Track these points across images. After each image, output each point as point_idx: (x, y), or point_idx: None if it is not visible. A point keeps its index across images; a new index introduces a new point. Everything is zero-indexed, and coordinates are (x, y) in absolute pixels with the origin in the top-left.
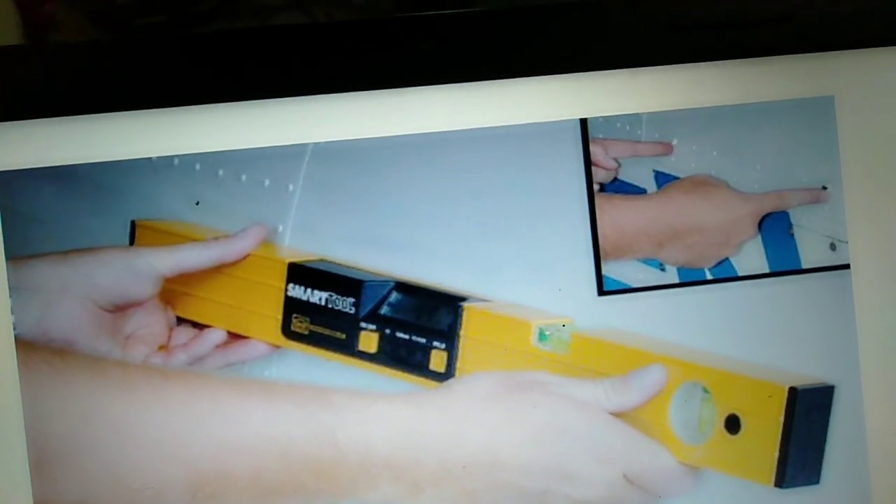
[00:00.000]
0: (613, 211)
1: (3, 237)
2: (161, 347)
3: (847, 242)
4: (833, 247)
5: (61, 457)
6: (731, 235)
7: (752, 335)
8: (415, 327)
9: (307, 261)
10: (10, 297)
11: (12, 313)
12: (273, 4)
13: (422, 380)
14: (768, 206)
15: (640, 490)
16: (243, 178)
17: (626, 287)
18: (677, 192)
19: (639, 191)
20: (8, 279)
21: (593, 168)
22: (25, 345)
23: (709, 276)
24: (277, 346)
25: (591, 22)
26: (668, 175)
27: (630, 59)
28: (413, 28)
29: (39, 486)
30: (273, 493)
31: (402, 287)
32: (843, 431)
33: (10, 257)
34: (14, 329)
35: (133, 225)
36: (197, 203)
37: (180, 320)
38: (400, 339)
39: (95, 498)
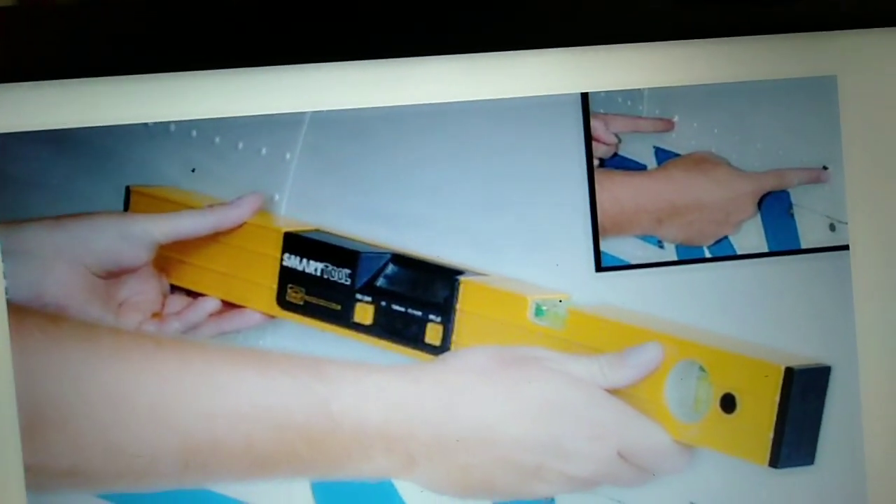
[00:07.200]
0: (613, 187)
1: None
2: (154, 315)
3: (847, 223)
4: (832, 227)
5: (53, 422)
6: (731, 213)
7: (749, 314)
8: (411, 300)
9: (303, 230)
10: (3, 261)
11: (5, 277)
12: None
13: (417, 353)
14: (768, 184)
15: (634, 467)
16: (240, 145)
17: (623, 264)
18: (677, 168)
19: (639, 167)
20: (1, 243)
21: (593, 143)
22: (18, 310)
23: (707, 255)
24: (272, 316)
25: None
26: (669, 152)
27: (632, 34)
28: None
29: (30, 451)
30: (266, 463)
31: (399, 259)
32: (839, 412)
33: (3, 221)
34: (6, 293)
35: (128, 191)
36: (193, 170)
37: (174, 288)
38: (396, 311)
39: (87, 464)
